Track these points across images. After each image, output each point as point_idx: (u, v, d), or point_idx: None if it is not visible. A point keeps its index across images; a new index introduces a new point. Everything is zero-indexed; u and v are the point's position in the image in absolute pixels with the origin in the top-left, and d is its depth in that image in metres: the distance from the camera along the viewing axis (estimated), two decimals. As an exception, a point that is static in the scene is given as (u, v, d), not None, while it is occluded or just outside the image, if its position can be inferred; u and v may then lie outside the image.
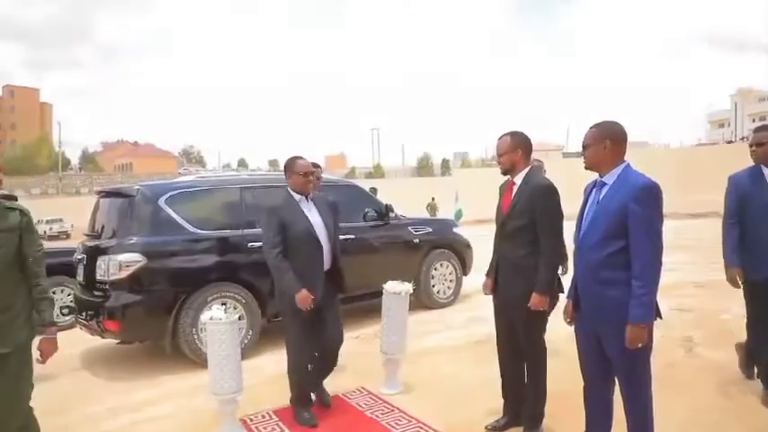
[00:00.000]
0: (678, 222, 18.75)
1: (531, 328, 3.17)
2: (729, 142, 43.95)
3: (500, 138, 3.28)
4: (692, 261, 9.69)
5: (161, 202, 4.99)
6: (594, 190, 2.65)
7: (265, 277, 5.27)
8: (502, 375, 3.38)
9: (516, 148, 3.22)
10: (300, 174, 3.61)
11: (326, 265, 3.65)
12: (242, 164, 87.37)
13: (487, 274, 3.39)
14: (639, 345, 2.42)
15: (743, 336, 4.60)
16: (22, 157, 68.89)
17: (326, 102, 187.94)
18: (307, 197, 3.67)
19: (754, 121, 59.42)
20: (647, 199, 2.44)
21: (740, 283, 3.71)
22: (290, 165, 3.66)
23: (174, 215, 4.99)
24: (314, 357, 3.71)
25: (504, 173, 3.29)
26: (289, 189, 3.66)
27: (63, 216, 34.80)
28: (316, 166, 4.69)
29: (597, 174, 2.64)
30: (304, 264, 3.53)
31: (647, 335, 2.44)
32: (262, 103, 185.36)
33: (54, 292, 6.88)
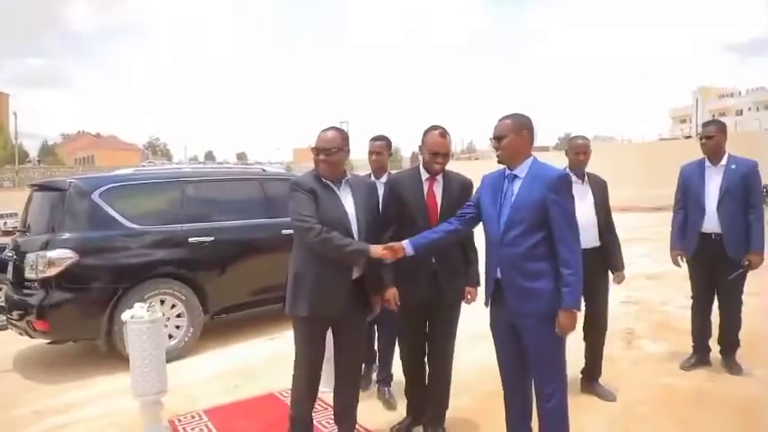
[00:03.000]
0: (639, 215, 19.07)
1: (455, 324, 3.14)
2: (687, 137, 45.03)
3: (442, 135, 3.01)
4: (647, 254, 9.87)
5: (95, 196, 4.79)
6: (505, 183, 2.60)
7: (207, 273, 5.20)
8: (407, 374, 3.26)
9: (450, 148, 3.09)
10: (315, 149, 2.79)
11: (355, 271, 2.83)
12: (209, 156, 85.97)
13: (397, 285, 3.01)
14: (571, 331, 2.45)
15: (682, 326, 4.72)
16: (-22, 149, 66.36)
17: (295, 94, 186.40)
18: (338, 181, 2.85)
19: (714, 116, 61.25)
20: (565, 189, 2.49)
21: (681, 262, 4.21)
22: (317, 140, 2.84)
23: (108, 210, 4.80)
24: (316, 379, 2.95)
25: (439, 172, 3.04)
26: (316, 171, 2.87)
27: (18, 210, 33.69)
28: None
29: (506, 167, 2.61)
30: (327, 265, 2.72)
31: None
32: (230, 94, 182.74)
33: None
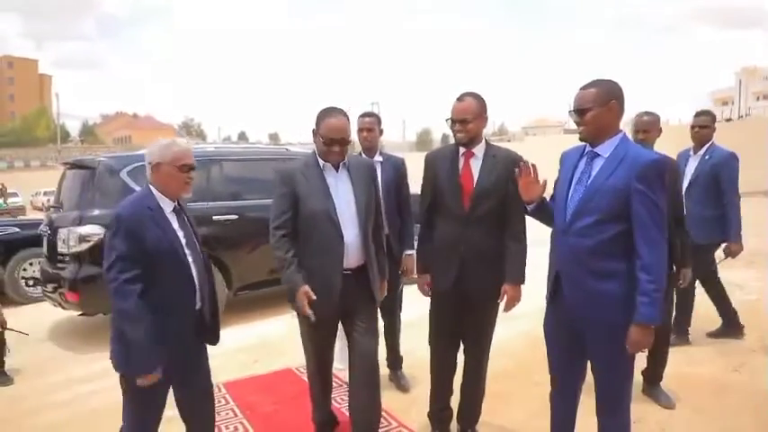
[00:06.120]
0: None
1: (488, 322, 2.83)
2: (728, 120, 42.77)
3: (461, 100, 2.64)
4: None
5: (123, 173, 4.94)
6: (583, 162, 2.20)
7: (231, 250, 5.31)
8: (432, 372, 2.96)
9: (483, 113, 2.66)
10: (323, 137, 2.58)
11: (352, 260, 2.65)
12: (242, 137, 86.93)
13: (429, 270, 2.86)
14: (645, 349, 2.11)
15: (706, 314, 4.67)
16: (22, 129, 68.80)
17: (327, 76, 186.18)
18: (337, 165, 2.67)
19: (758, 99, 58.73)
20: (657, 179, 2.05)
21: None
22: (318, 121, 2.62)
23: (136, 187, 4.92)
24: (327, 374, 2.91)
25: (467, 143, 2.66)
26: (315, 151, 2.70)
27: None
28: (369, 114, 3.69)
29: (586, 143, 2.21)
30: (315, 257, 2.59)
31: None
32: (263, 75, 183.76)
33: (31, 264, 6.91)
